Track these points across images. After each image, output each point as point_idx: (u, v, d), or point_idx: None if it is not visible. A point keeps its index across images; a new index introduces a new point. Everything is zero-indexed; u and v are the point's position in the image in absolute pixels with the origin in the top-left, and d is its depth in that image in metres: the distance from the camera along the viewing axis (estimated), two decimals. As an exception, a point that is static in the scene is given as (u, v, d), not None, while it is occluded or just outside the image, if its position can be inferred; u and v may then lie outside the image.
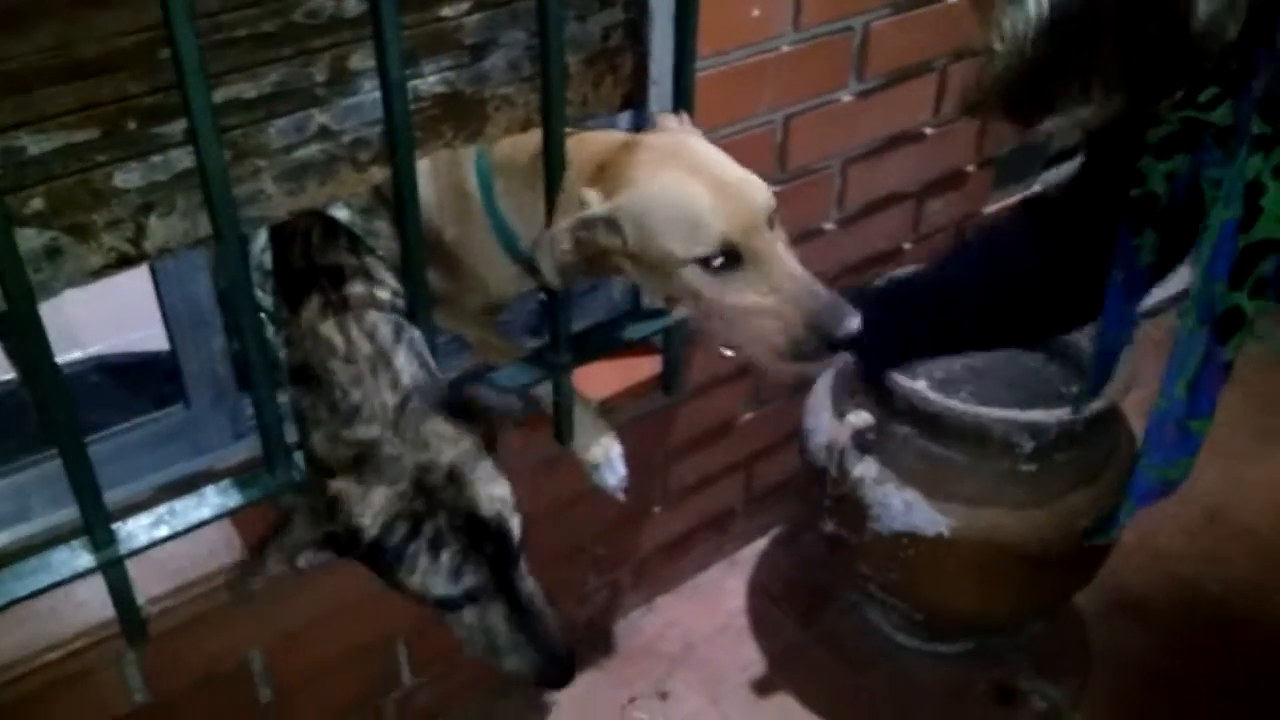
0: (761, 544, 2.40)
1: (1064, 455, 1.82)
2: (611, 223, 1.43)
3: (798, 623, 2.23)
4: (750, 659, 2.16)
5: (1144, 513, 2.32)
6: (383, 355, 1.40)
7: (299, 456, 1.45)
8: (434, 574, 1.30)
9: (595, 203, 1.43)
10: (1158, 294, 3.15)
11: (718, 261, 1.40)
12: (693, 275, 1.42)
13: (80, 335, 2.26)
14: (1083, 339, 1.98)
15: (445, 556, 1.30)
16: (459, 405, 1.40)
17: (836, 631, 2.21)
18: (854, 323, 1.41)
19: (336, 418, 1.36)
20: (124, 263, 1.31)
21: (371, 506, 1.30)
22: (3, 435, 2.07)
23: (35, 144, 1.19)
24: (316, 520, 1.32)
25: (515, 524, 1.37)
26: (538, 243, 1.47)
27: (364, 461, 1.33)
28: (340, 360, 1.38)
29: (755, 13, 1.72)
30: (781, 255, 1.43)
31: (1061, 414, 1.77)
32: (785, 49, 1.80)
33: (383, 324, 1.43)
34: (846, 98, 1.94)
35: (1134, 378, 1.82)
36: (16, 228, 1.18)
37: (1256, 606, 2.24)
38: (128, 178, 1.27)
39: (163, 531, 1.39)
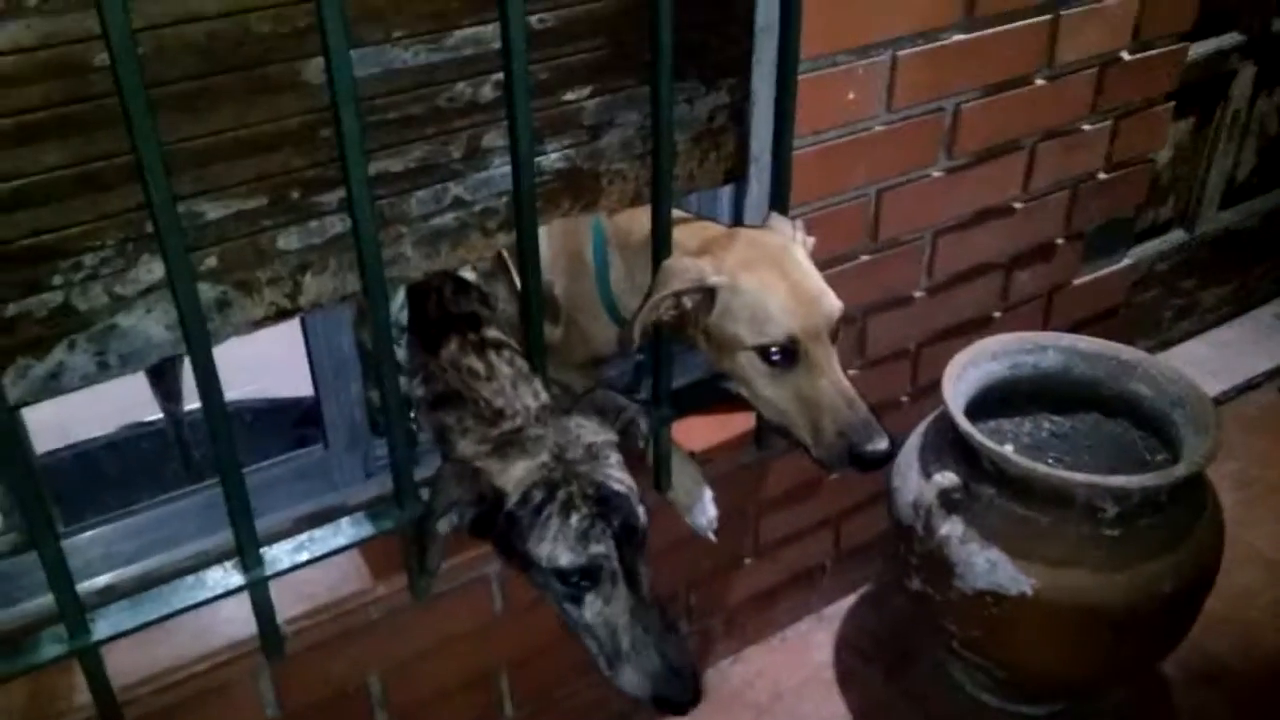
0: (850, 600, 2.47)
1: (1147, 520, 1.86)
2: (710, 294, 1.58)
3: (883, 678, 2.28)
4: (836, 712, 2.21)
5: (1234, 585, 2.34)
6: (523, 375, 1.56)
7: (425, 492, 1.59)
8: (563, 538, 1.39)
9: (710, 274, 1.58)
10: (1254, 366, 3.18)
11: (775, 355, 1.59)
12: (749, 361, 1.61)
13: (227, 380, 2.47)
14: (1166, 406, 2.03)
15: (575, 519, 1.39)
16: (601, 408, 1.54)
17: (921, 689, 2.26)
18: (882, 444, 1.58)
19: (482, 423, 1.50)
20: (281, 315, 1.49)
21: (513, 477, 1.42)
22: (150, 471, 2.29)
23: (212, 210, 1.37)
24: (462, 482, 1.42)
25: (641, 511, 1.46)
26: (650, 300, 1.62)
27: (507, 445, 1.45)
28: (483, 381, 1.54)
29: (850, 95, 1.85)
30: (834, 366, 1.62)
31: (1145, 479, 1.82)
32: (878, 129, 1.92)
33: (519, 359, 1.59)
34: (937, 173, 2.05)
35: (1219, 445, 1.86)
36: (195, 281, 1.35)
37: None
38: (288, 241, 1.44)
39: (303, 557, 1.54)
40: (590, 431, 1.49)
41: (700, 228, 1.76)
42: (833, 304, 1.63)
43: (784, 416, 1.65)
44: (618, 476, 1.46)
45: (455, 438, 1.52)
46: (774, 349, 1.59)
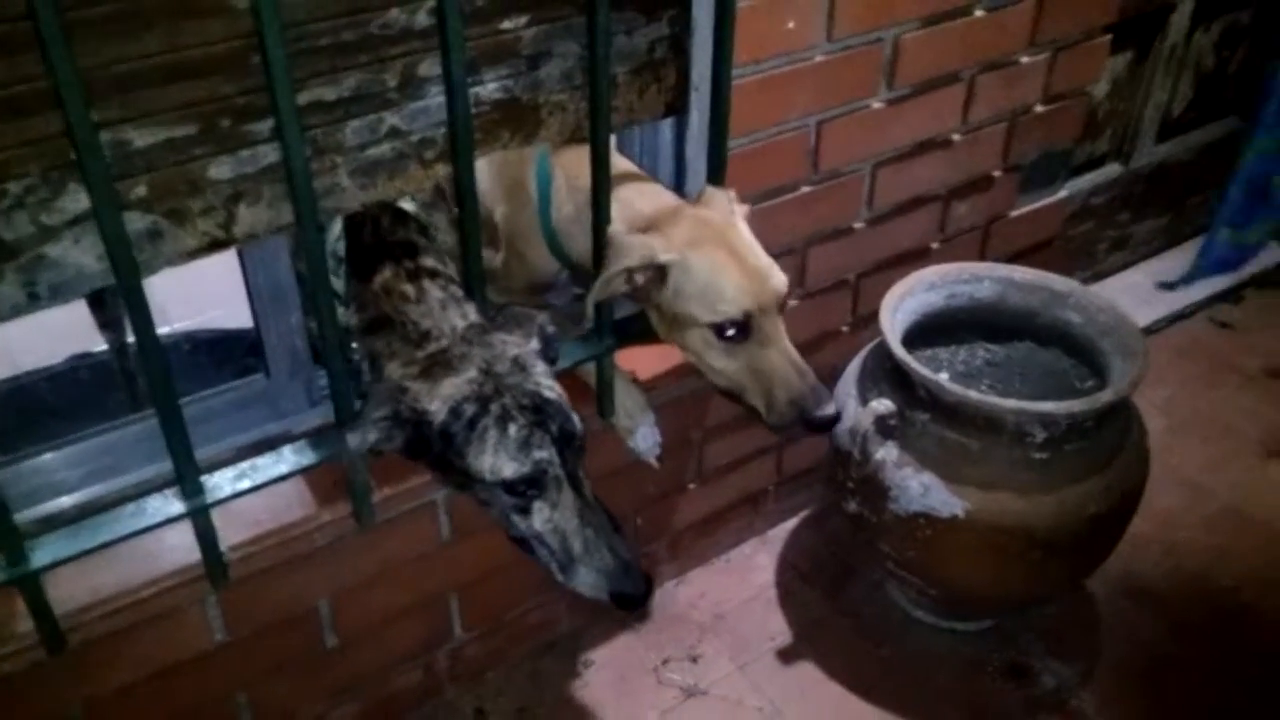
0: (791, 523, 2.53)
1: (1074, 445, 1.92)
2: (662, 273, 1.64)
3: (823, 597, 2.36)
4: (777, 629, 2.29)
5: (1160, 507, 2.43)
6: (454, 299, 1.56)
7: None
8: (503, 449, 1.41)
9: (659, 251, 1.63)
10: (1185, 297, 3.26)
11: (730, 331, 1.66)
12: (704, 336, 1.68)
13: (168, 313, 2.47)
14: (1096, 334, 2.08)
15: (513, 429, 1.41)
16: (518, 321, 1.55)
17: (859, 607, 2.34)
18: (831, 409, 1.70)
19: (409, 345, 1.51)
20: (215, 246, 1.48)
21: (439, 396, 1.42)
22: (96, 401, 2.28)
23: (140, 137, 1.35)
24: (384, 402, 1.43)
25: (577, 418, 1.48)
26: (602, 276, 1.66)
27: (434, 366, 1.46)
28: (413, 305, 1.54)
29: (790, 25, 1.85)
30: (782, 337, 1.70)
31: (1072, 405, 1.87)
32: (819, 59, 1.93)
33: (452, 285, 1.60)
34: (877, 105, 2.06)
35: (1145, 373, 1.92)
36: (123, 211, 1.35)
37: (1266, 599, 2.33)
38: (220, 170, 1.43)
39: (245, 484, 1.56)
40: (514, 345, 1.50)
41: (652, 193, 1.79)
42: (780, 278, 1.70)
43: (736, 386, 1.72)
44: (548, 384, 1.48)
45: (384, 361, 1.53)
46: (728, 325, 1.65)
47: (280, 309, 1.77)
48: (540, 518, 1.47)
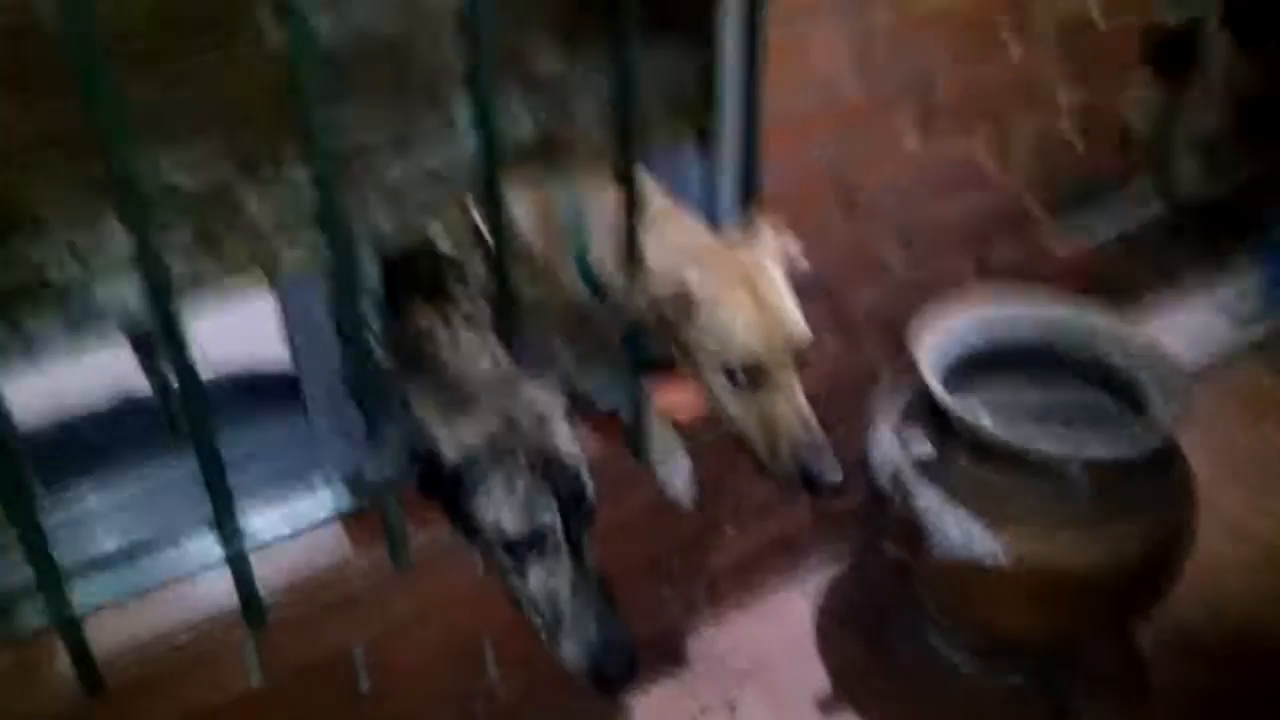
0: (829, 568, 2.50)
1: (1118, 488, 1.88)
2: (691, 307, 1.65)
3: (862, 644, 2.32)
4: (815, 677, 2.25)
5: (1207, 554, 2.38)
6: (485, 345, 1.57)
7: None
8: (508, 506, 1.40)
9: (691, 285, 1.64)
10: (1232, 336, 3.20)
11: (740, 377, 1.65)
12: (715, 377, 1.69)
13: (208, 354, 2.49)
14: (1139, 373, 2.05)
15: (520, 488, 1.40)
16: (549, 378, 1.55)
17: (898, 654, 2.29)
18: (834, 475, 1.66)
19: (440, 390, 1.51)
20: (255, 286, 1.50)
21: (456, 436, 1.42)
22: (140, 442, 2.30)
23: (182, 179, 1.37)
24: (401, 438, 1.44)
25: (590, 484, 1.47)
26: (641, 302, 1.68)
27: (457, 407, 1.45)
28: (445, 346, 1.55)
29: (822, 60, 1.86)
30: (795, 391, 1.69)
31: (1117, 448, 1.84)
32: (850, 92, 1.93)
33: (489, 333, 1.60)
34: (909, 139, 2.06)
35: (1188, 413, 1.88)
36: (164, 252, 1.35)
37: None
38: (261, 211, 1.45)
39: (284, 529, 1.56)
40: (542, 400, 1.51)
41: (688, 229, 1.80)
42: (799, 330, 1.69)
43: (742, 432, 1.72)
44: (567, 448, 1.47)
45: (415, 407, 1.53)
46: (737, 369, 1.65)
47: (318, 350, 1.78)
48: (535, 580, 1.46)
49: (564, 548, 1.44)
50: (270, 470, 1.81)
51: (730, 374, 1.66)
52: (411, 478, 1.45)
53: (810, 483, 1.66)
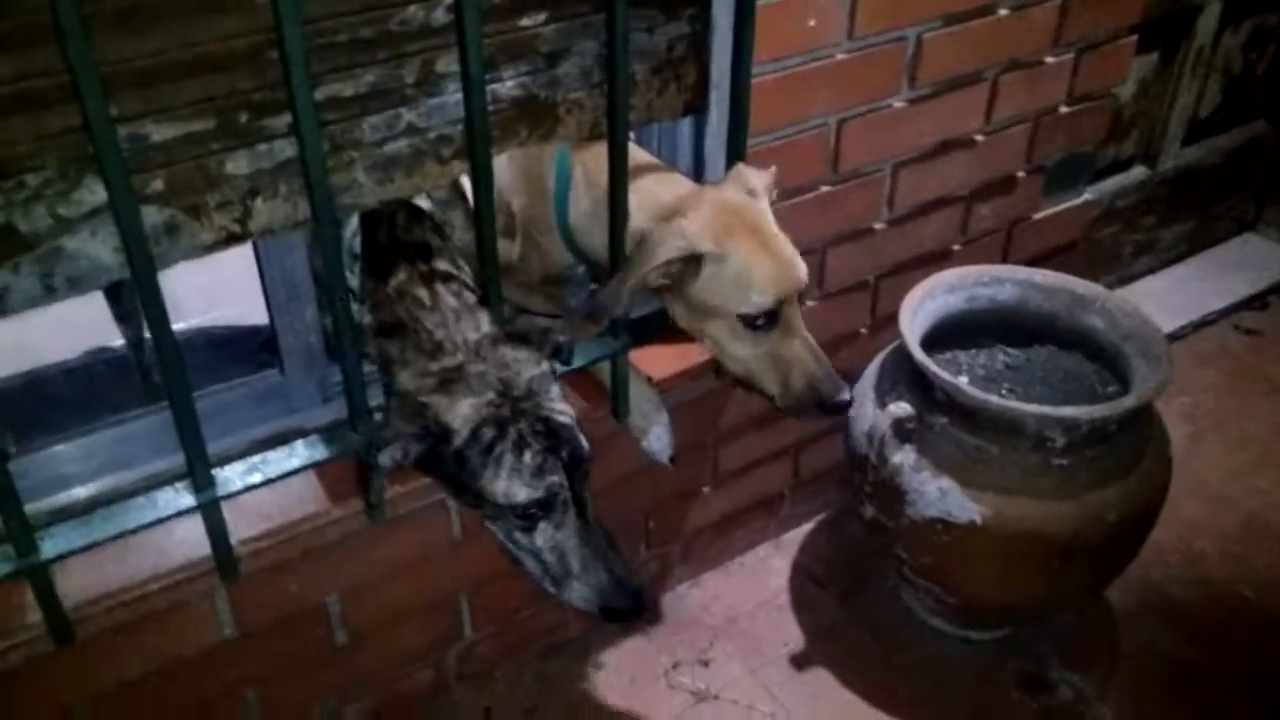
0: (806, 527, 2.51)
1: (1095, 451, 1.89)
2: (697, 263, 1.64)
3: (837, 603, 2.34)
4: (790, 634, 2.27)
5: (1182, 517, 2.40)
6: (467, 307, 1.57)
7: (378, 418, 1.60)
8: (518, 474, 1.45)
9: (697, 242, 1.63)
10: (1210, 303, 3.22)
11: (759, 322, 1.69)
12: (730, 325, 1.71)
13: (183, 308, 2.47)
14: (1119, 339, 2.05)
15: (529, 456, 1.45)
16: (528, 335, 1.57)
17: (873, 613, 2.31)
18: (846, 394, 1.76)
19: (422, 355, 1.52)
20: (231, 240, 1.48)
21: (459, 414, 1.45)
22: (112, 394, 2.29)
23: (157, 131, 1.35)
24: (409, 417, 1.46)
25: (585, 442, 1.52)
26: (633, 268, 1.65)
27: (450, 382, 1.48)
28: (427, 311, 1.56)
29: (811, 23, 1.84)
30: (802, 326, 1.75)
31: (1093, 410, 1.85)
32: (839, 57, 1.91)
33: (466, 291, 1.60)
34: (898, 104, 2.04)
35: (1168, 379, 1.89)
36: (140, 204, 1.35)
37: (1289, 611, 2.30)
38: (237, 165, 1.43)
39: (256, 478, 1.56)
40: (527, 365, 1.52)
41: (671, 181, 1.78)
42: (803, 268, 1.74)
43: (753, 372, 1.76)
44: (560, 409, 1.52)
45: (397, 369, 1.54)
46: (760, 316, 1.68)
47: (295, 305, 1.77)
48: (543, 536, 1.52)
49: (570, 503, 1.50)
50: (244, 421, 1.80)
51: (749, 321, 1.69)
52: (412, 459, 1.47)
53: (824, 406, 1.74)
